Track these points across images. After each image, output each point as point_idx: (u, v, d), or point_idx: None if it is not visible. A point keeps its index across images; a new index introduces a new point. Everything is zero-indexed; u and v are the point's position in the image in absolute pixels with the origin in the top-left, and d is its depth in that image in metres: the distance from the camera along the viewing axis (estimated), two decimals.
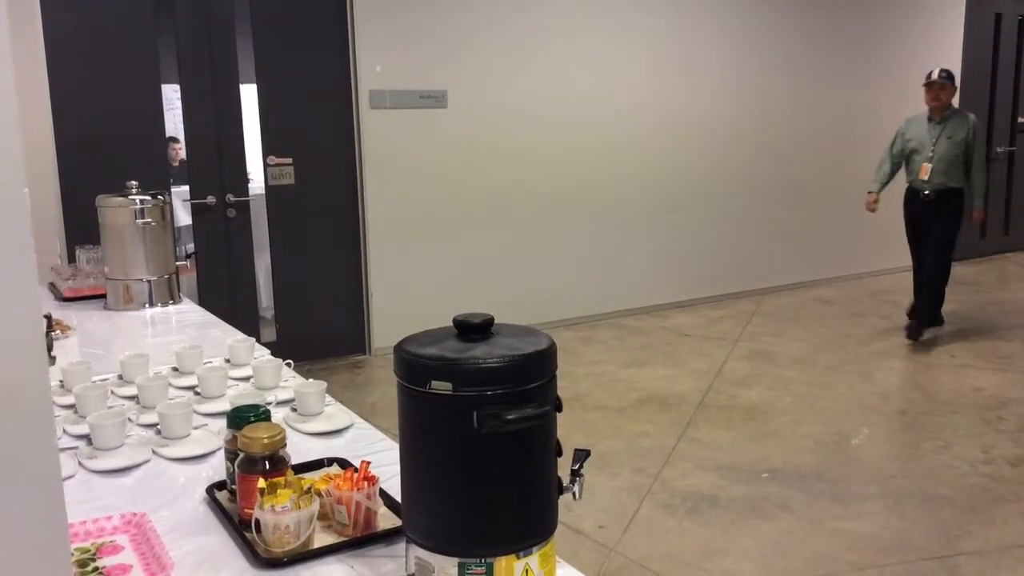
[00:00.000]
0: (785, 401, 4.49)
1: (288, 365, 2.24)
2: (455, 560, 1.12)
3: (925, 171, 5.37)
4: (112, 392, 2.08)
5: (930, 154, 5.36)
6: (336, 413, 1.94)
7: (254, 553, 1.30)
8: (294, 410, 1.96)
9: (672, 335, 5.87)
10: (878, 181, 5.68)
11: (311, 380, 2.05)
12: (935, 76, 5.33)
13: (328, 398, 1.99)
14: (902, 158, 5.59)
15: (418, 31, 5.35)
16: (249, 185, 5.24)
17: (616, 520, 3.24)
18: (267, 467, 1.37)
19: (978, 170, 5.37)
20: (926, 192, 5.42)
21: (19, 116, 0.73)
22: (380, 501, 1.42)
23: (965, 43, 7.88)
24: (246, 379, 2.20)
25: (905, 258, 7.89)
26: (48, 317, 2.61)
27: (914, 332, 5.53)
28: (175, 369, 2.26)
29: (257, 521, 1.30)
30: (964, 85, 7.93)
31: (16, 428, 0.70)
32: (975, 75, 8.04)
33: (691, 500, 3.38)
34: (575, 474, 1.24)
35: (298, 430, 1.86)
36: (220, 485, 1.54)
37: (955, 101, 5.65)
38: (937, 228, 5.44)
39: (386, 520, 1.40)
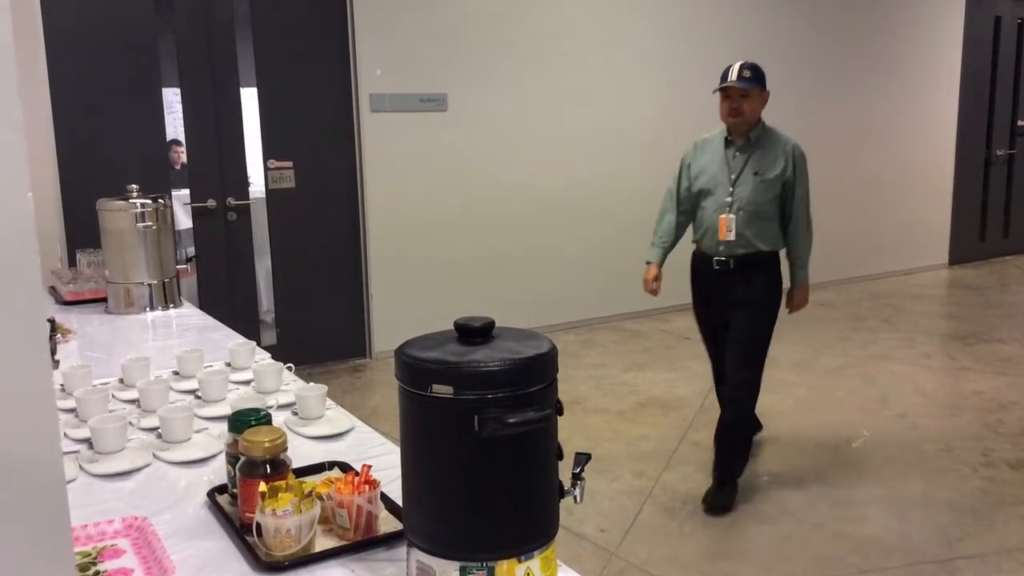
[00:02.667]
0: (785, 404, 4.49)
1: (289, 369, 2.24)
2: (456, 564, 1.13)
3: (721, 226, 3.35)
4: (113, 396, 2.08)
5: (727, 199, 3.34)
6: (337, 417, 1.94)
7: (255, 557, 1.30)
8: (295, 414, 1.96)
9: (672, 338, 5.87)
10: (657, 244, 3.67)
11: (312, 384, 2.05)
12: (733, 76, 3.28)
13: (329, 402, 1.99)
14: (691, 204, 3.53)
15: (418, 35, 5.35)
16: (250, 188, 5.24)
17: (617, 524, 3.24)
18: (268, 471, 1.37)
19: (802, 225, 3.45)
20: (721, 260, 3.41)
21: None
22: (381, 505, 1.42)
23: (965, 46, 7.89)
24: (247, 383, 2.20)
25: (906, 261, 7.97)
26: (51, 321, 2.61)
27: (716, 506, 3.32)
28: (176, 373, 2.26)
29: (258, 525, 1.30)
30: (964, 88, 7.96)
31: (20, 432, 0.70)
32: (975, 78, 8.05)
33: (692, 504, 3.38)
34: (576, 478, 1.24)
35: (299, 434, 1.86)
36: (221, 489, 1.54)
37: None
38: (741, 319, 3.40)
39: (387, 524, 1.40)
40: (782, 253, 3.50)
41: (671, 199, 3.63)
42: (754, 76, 3.27)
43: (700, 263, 3.57)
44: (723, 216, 3.34)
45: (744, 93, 3.26)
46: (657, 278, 3.65)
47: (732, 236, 3.36)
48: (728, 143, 3.41)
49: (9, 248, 0.68)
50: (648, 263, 3.68)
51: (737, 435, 3.51)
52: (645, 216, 6.44)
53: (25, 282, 0.69)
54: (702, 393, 4.68)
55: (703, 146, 3.52)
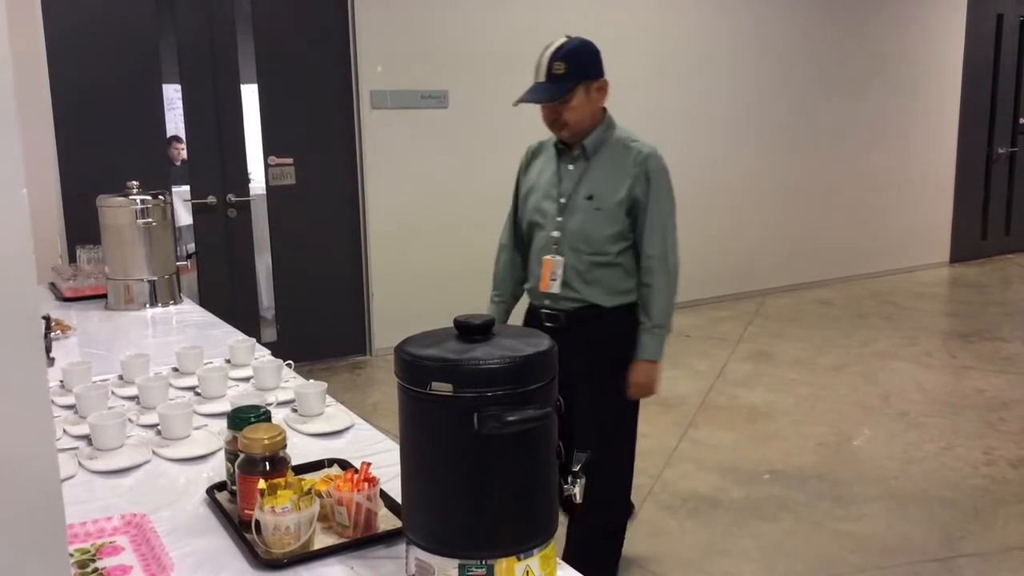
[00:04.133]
0: (787, 402, 4.49)
1: (289, 366, 2.24)
2: (455, 561, 1.12)
3: (543, 272, 2.42)
4: (112, 392, 2.08)
5: (554, 232, 2.41)
6: (336, 414, 1.93)
7: (254, 554, 1.30)
8: (294, 411, 1.96)
9: (673, 335, 5.85)
10: (495, 299, 2.72)
11: (311, 381, 2.05)
12: (540, 75, 2.36)
13: (328, 399, 1.99)
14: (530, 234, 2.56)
15: (419, 31, 5.34)
16: (250, 185, 5.23)
17: None
18: (267, 468, 1.37)
19: (657, 271, 2.42)
20: (550, 312, 2.47)
21: (20, 116, 0.72)
22: (380, 502, 1.42)
23: (966, 44, 7.87)
24: (246, 380, 2.20)
25: (908, 259, 7.96)
26: (47, 318, 2.61)
27: None
28: (175, 369, 2.26)
29: (257, 522, 1.30)
30: (965, 86, 7.95)
31: (14, 431, 0.70)
32: (976, 76, 8.04)
33: (692, 501, 3.38)
34: (575, 476, 1.24)
35: (298, 431, 1.85)
36: (220, 486, 1.54)
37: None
38: (582, 397, 2.36)
39: (386, 521, 1.40)
40: None
41: (507, 227, 2.67)
42: (571, 70, 2.27)
43: (530, 318, 2.54)
44: (546, 258, 2.38)
45: (563, 96, 2.31)
46: None
47: (556, 287, 2.38)
48: (560, 151, 2.46)
49: (4, 246, 0.68)
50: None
51: (597, 545, 2.56)
52: None
53: (20, 280, 0.69)
54: (703, 391, 4.67)
55: (537, 152, 2.58)
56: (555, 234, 2.41)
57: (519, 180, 2.61)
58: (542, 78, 2.33)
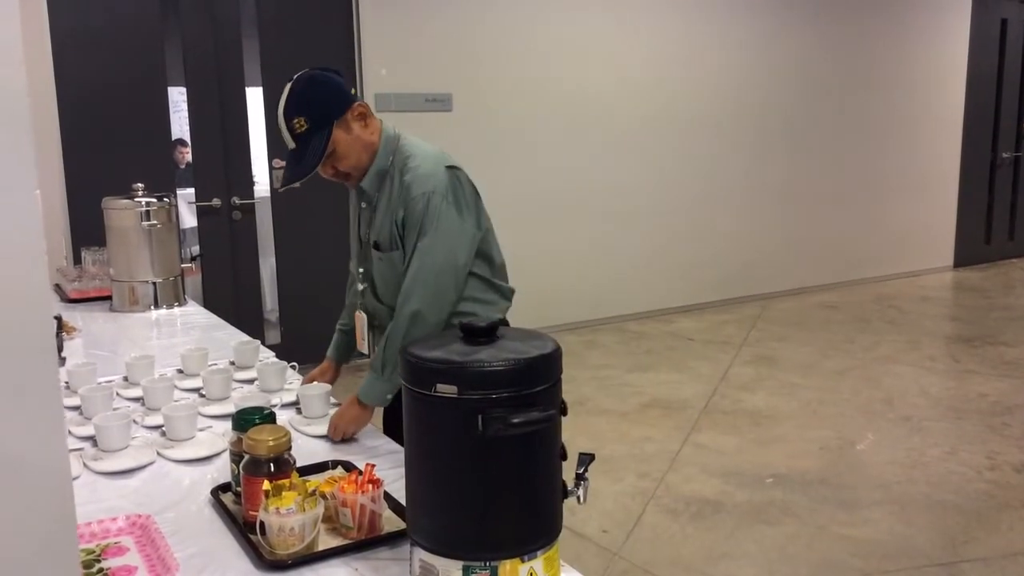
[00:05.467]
0: (790, 406, 4.48)
1: (293, 367, 2.25)
2: (459, 563, 1.13)
3: (356, 329, 2.19)
4: (117, 394, 2.08)
5: (359, 285, 2.15)
6: None
7: (259, 555, 1.30)
8: (299, 412, 1.96)
9: (676, 339, 5.86)
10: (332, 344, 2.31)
11: (315, 383, 2.05)
12: (287, 139, 1.94)
13: (332, 400, 1.99)
14: None
15: (424, 34, 5.35)
16: (254, 188, 5.24)
17: (620, 525, 3.23)
18: (272, 469, 1.38)
19: (404, 305, 1.90)
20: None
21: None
22: (385, 504, 1.42)
23: (970, 48, 7.87)
24: (251, 381, 2.20)
25: (911, 263, 7.95)
26: (58, 318, 2.62)
27: None
28: (180, 371, 2.27)
29: (262, 523, 1.30)
30: (969, 90, 7.95)
31: (27, 430, 0.71)
32: (981, 80, 8.03)
33: (695, 505, 3.38)
34: (579, 478, 1.24)
35: (303, 432, 1.86)
36: (225, 487, 1.54)
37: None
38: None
39: (390, 523, 1.41)
40: None
41: (351, 279, 2.27)
42: (314, 121, 1.88)
43: None
44: (356, 313, 2.14)
45: (297, 129, 1.90)
46: (323, 374, 2.18)
47: (365, 347, 2.14)
48: (360, 188, 2.04)
49: (17, 246, 0.69)
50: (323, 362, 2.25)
51: None
52: (648, 216, 6.47)
53: (32, 280, 0.70)
54: (706, 395, 4.67)
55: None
56: (360, 286, 2.11)
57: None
58: (291, 144, 1.91)
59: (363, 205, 2.05)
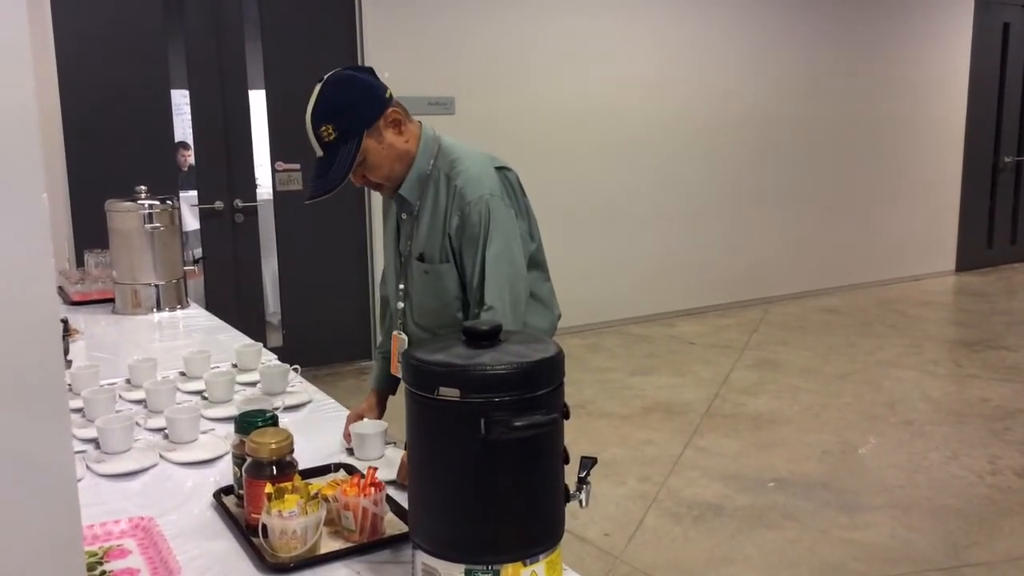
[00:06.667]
0: (792, 410, 4.48)
1: (295, 370, 2.25)
2: (461, 567, 1.13)
3: (392, 352, 1.98)
4: (120, 396, 2.08)
5: (399, 304, 1.96)
6: (394, 456, 1.73)
7: (261, 558, 1.31)
8: (350, 453, 1.78)
9: (678, 343, 5.86)
10: (377, 356, 2.12)
11: (366, 420, 1.86)
12: (316, 148, 1.77)
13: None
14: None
15: (426, 37, 5.36)
16: (257, 190, 5.25)
17: (621, 528, 3.23)
18: (274, 472, 1.38)
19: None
20: None
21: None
22: (387, 507, 1.42)
23: (973, 52, 7.87)
24: (253, 384, 2.20)
25: (914, 267, 7.94)
26: (64, 321, 2.62)
27: None
28: (183, 374, 2.27)
29: (264, 526, 1.30)
30: (972, 94, 7.94)
31: (33, 432, 0.71)
32: (983, 84, 8.03)
33: (697, 509, 3.38)
34: (582, 481, 1.24)
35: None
36: (227, 490, 1.55)
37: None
38: None
39: (393, 526, 1.41)
40: None
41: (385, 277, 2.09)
42: (343, 128, 1.74)
43: None
44: (395, 334, 1.95)
45: (320, 131, 1.74)
46: (371, 410, 1.99)
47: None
48: (400, 197, 1.88)
49: (24, 249, 0.69)
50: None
51: None
52: (651, 220, 6.47)
53: (40, 282, 0.70)
54: (708, 398, 4.67)
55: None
56: (400, 305, 1.94)
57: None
58: (319, 152, 1.76)
59: (403, 216, 1.89)
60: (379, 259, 5.41)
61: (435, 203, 1.82)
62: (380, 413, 1.98)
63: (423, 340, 1.21)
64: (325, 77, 1.78)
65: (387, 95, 1.80)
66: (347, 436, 1.83)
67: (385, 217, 2.00)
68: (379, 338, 2.13)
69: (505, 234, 1.78)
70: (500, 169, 1.86)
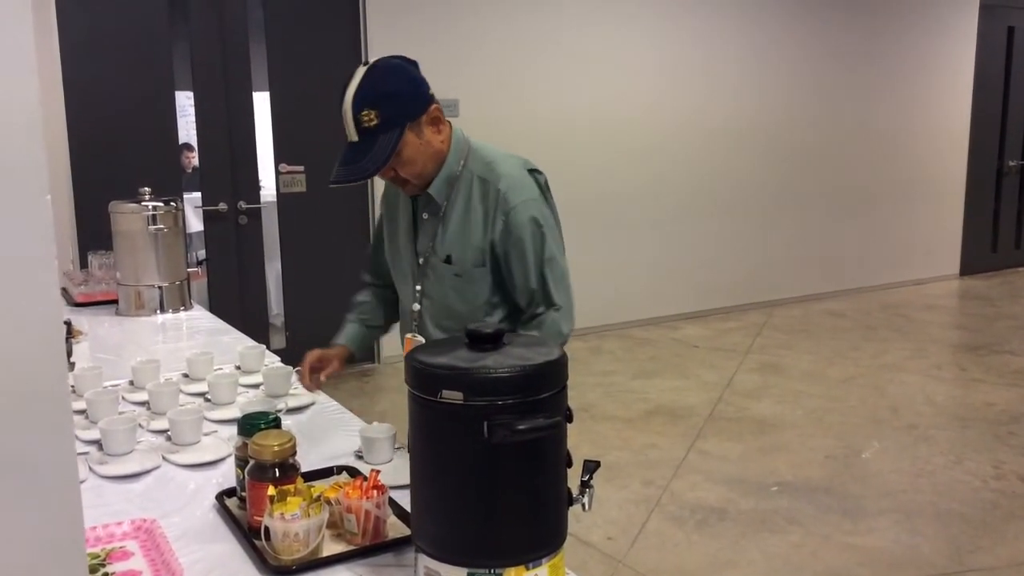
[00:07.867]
0: (795, 414, 4.47)
1: (298, 372, 2.24)
2: (464, 570, 1.12)
3: (406, 351, 1.66)
4: (123, 398, 2.08)
5: (414, 304, 1.92)
6: (403, 463, 1.59)
7: (263, 561, 1.30)
8: (359, 457, 1.74)
9: (681, 346, 5.85)
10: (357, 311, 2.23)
11: (375, 424, 1.80)
12: (351, 132, 1.75)
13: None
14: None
15: (430, 40, 5.36)
16: (261, 192, 5.25)
17: (624, 532, 3.23)
18: (277, 474, 1.38)
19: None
20: None
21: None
22: (389, 510, 1.42)
23: (977, 56, 7.86)
24: (256, 386, 2.20)
25: (917, 271, 7.93)
26: (68, 323, 2.63)
27: None
28: (186, 375, 2.27)
29: (267, 529, 1.30)
30: (976, 98, 7.93)
31: (35, 432, 0.71)
32: (987, 88, 8.02)
33: (700, 513, 3.37)
34: (585, 485, 1.24)
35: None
36: (230, 492, 1.54)
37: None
38: None
39: (395, 529, 1.40)
40: None
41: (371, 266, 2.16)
42: (387, 116, 1.69)
43: None
44: (408, 336, 1.92)
45: (360, 120, 1.72)
46: (325, 364, 1.96)
47: None
48: (427, 196, 1.84)
49: (29, 251, 0.69)
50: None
51: None
52: (654, 222, 6.47)
53: (44, 284, 0.70)
54: (711, 401, 4.66)
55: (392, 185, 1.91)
56: (415, 306, 1.89)
57: (381, 214, 2.05)
58: (353, 136, 1.71)
59: (424, 216, 1.83)
60: None
61: (467, 205, 1.78)
62: (340, 368, 1.98)
63: (426, 343, 1.21)
64: (372, 62, 1.73)
65: (431, 91, 1.76)
66: (304, 374, 1.90)
67: (392, 214, 1.95)
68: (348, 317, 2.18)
69: (555, 236, 1.81)
70: (532, 172, 1.85)
